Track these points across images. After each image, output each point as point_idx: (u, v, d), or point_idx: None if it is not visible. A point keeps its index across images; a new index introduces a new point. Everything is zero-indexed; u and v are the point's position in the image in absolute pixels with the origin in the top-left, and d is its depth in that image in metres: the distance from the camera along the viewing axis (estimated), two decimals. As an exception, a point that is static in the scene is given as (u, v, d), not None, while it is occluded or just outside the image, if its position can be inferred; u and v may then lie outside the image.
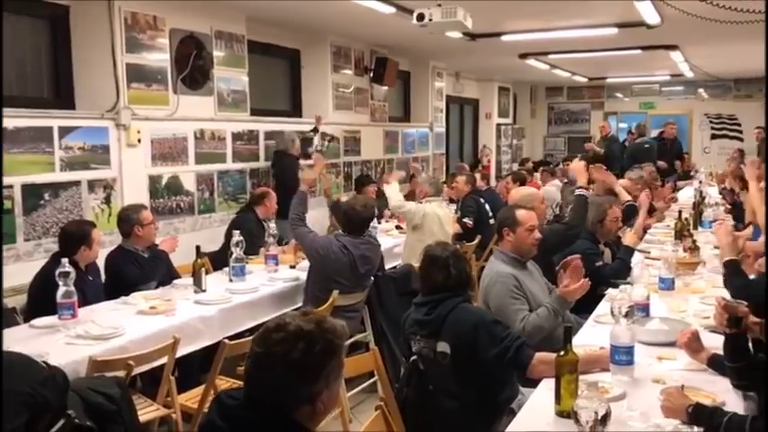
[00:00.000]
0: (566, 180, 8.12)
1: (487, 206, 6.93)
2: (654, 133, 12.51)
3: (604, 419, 1.70)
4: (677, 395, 2.23)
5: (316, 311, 1.72)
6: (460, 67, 11.52)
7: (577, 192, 4.44)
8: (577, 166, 4.71)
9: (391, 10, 5.99)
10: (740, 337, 2.53)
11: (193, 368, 3.84)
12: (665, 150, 11.74)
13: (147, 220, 4.34)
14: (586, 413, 1.69)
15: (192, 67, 5.90)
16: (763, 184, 4.37)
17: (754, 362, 2.50)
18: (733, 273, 3.17)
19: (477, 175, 8.20)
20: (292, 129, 7.18)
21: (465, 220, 6.66)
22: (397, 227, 6.67)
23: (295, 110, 7.86)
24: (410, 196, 6.98)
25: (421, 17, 5.24)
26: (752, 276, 3.27)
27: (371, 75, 8.66)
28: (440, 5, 5.21)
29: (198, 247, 4.14)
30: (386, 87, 8.96)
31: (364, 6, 5.89)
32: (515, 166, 12.75)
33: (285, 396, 1.58)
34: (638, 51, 8.74)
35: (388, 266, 5.29)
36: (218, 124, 6.25)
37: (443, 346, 2.87)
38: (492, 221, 6.45)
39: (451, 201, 7.99)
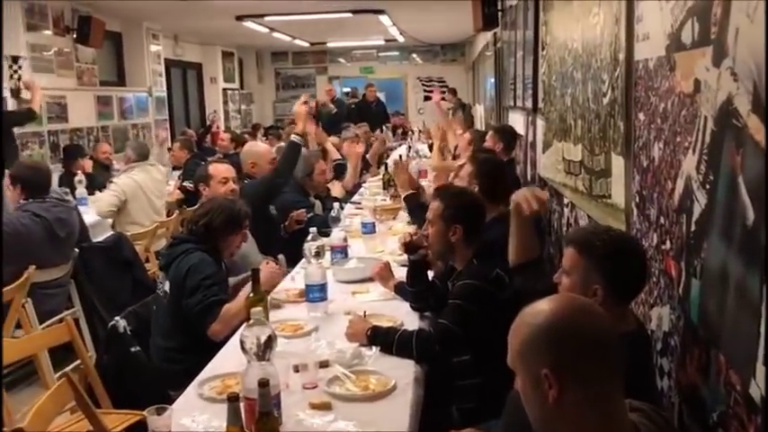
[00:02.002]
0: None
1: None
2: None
3: (268, 343, 1.76)
4: (358, 321, 2.42)
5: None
6: (178, 29, 11.06)
7: (292, 137, 4.32)
8: (298, 110, 4.52)
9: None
10: (419, 263, 2.82)
11: None
12: (369, 112, 12.34)
13: None
14: (249, 341, 1.74)
15: None
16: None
17: (429, 286, 2.81)
18: (411, 206, 3.53)
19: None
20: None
21: (185, 183, 6.49)
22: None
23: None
24: None
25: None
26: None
27: (75, 35, 7.96)
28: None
29: None
30: (93, 49, 8.31)
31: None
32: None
33: None
34: (349, 15, 9.10)
35: (101, 238, 4.95)
36: None
37: (166, 284, 2.85)
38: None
39: (175, 168, 7.78)
